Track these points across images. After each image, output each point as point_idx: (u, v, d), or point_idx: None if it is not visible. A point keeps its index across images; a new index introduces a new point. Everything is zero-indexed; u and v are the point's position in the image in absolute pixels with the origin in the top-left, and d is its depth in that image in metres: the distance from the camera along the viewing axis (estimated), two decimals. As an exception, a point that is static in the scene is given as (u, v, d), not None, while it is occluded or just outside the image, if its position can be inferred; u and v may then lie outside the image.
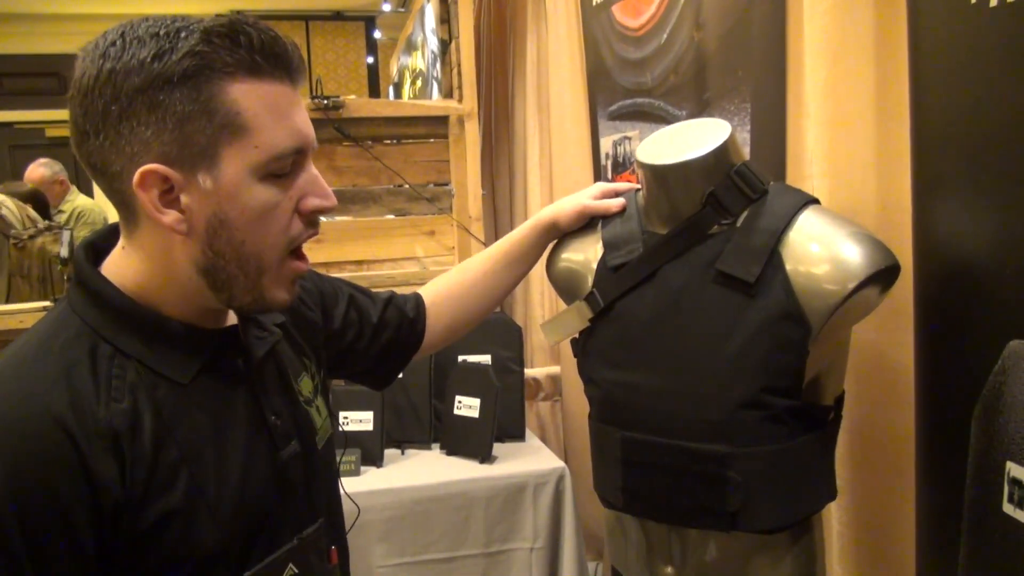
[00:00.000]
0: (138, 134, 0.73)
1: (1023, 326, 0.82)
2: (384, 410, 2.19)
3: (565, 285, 1.23)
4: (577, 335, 1.20)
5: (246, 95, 0.74)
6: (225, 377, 0.85)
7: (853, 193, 1.17)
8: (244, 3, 7.28)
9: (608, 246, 1.16)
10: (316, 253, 2.74)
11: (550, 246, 1.27)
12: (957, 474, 0.92)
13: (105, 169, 0.76)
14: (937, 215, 0.97)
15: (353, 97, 2.89)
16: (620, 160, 2.16)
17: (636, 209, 1.17)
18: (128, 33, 0.73)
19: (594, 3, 2.20)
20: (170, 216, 0.75)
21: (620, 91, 2.09)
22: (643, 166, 1.11)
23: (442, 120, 2.84)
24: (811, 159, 1.23)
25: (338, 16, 7.82)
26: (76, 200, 4.43)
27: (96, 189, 0.80)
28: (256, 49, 0.74)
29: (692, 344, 1.05)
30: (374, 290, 1.22)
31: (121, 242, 0.82)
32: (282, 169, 0.77)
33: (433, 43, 3.93)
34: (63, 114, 0.78)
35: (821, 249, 0.99)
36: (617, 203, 1.19)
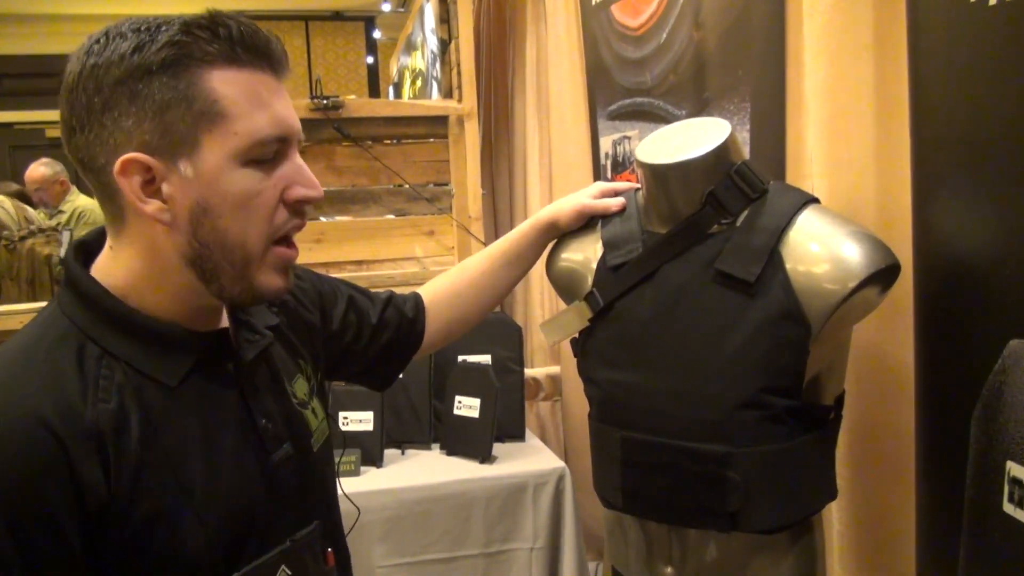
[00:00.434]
0: (120, 124, 0.74)
1: (1023, 325, 0.82)
2: (384, 410, 2.19)
3: (565, 285, 1.23)
4: (577, 335, 1.20)
5: (225, 83, 0.75)
6: (215, 380, 0.84)
7: (853, 192, 1.17)
8: (244, 3, 7.28)
9: (608, 246, 1.16)
10: (316, 253, 2.74)
11: (550, 246, 1.27)
12: (957, 474, 0.91)
13: (92, 163, 0.77)
14: (937, 214, 0.97)
15: (353, 97, 2.89)
16: (620, 160, 2.16)
17: (636, 209, 1.17)
18: (112, 31, 0.75)
19: (593, 3, 2.19)
20: (152, 205, 0.76)
21: (620, 90, 2.09)
22: (643, 165, 1.11)
23: (442, 120, 2.84)
24: (811, 158, 1.23)
25: (338, 16, 7.82)
26: (77, 200, 4.43)
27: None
28: (235, 39, 0.75)
29: (692, 344, 1.04)
30: (373, 290, 1.22)
31: (109, 242, 0.82)
32: (263, 156, 0.77)
33: (433, 43, 3.92)
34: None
35: (821, 248, 0.99)
36: (617, 202, 1.19)
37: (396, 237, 2.84)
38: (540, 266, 1.31)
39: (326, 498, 0.98)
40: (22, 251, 4.00)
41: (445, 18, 3.26)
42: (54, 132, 6.16)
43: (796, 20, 1.32)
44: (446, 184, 2.86)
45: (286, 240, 0.82)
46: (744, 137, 1.49)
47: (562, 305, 1.24)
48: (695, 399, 1.03)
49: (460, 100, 2.85)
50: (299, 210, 0.82)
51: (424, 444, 2.29)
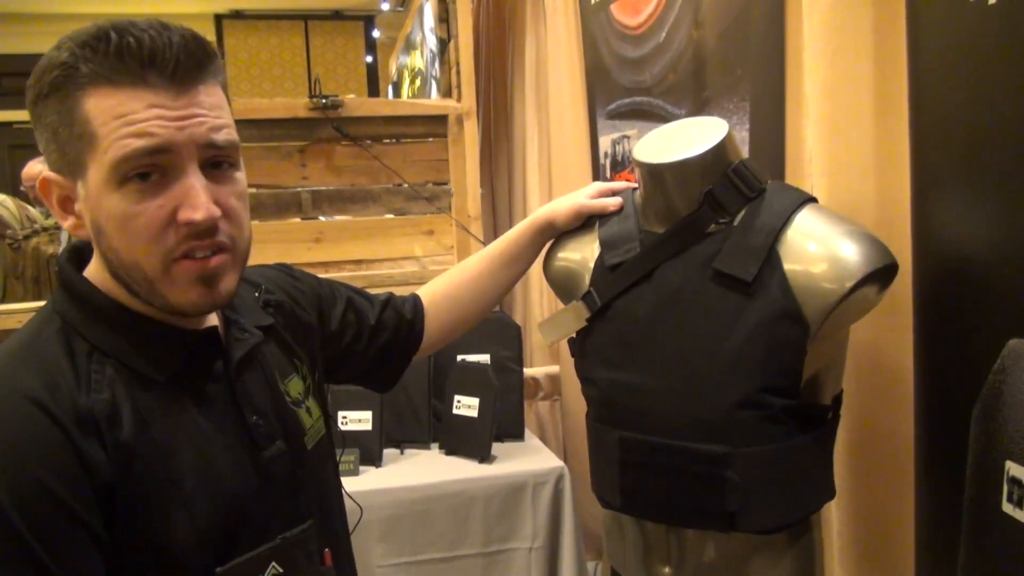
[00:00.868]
0: (40, 143, 0.79)
1: (1023, 324, 0.82)
2: (383, 410, 2.19)
3: (562, 284, 1.23)
4: (574, 335, 1.20)
5: (98, 104, 0.74)
6: (204, 377, 0.85)
7: (852, 191, 1.17)
8: (243, 2, 7.28)
9: (605, 245, 1.15)
10: (315, 252, 2.74)
11: (547, 245, 1.27)
12: (956, 473, 0.91)
13: None
14: (936, 213, 0.96)
15: (352, 96, 2.89)
16: (619, 159, 2.16)
17: (633, 208, 1.17)
18: (53, 46, 0.78)
19: (592, 2, 2.19)
20: (69, 221, 0.80)
21: (619, 90, 2.09)
22: (640, 165, 1.10)
23: (441, 119, 2.84)
24: (810, 157, 1.23)
25: (337, 15, 7.81)
26: (74, 199, 4.41)
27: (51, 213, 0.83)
28: (112, 56, 0.74)
29: (689, 344, 1.04)
30: (372, 291, 1.22)
31: None
32: (132, 171, 0.75)
33: (432, 42, 3.92)
34: (29, 117, 0.80)
35: (819, 248, 0.99)
36: (614, 202, 1.19)
37: (395, 236, 2.84)
38: (539, 265, 1.31)
39: (322, 497, 0.97)
40: (27, 250, 4.01)
41: (444, 17, 3.26)
42: (53, 131, 6.17)
43: (795, 19, 1.31)
44: (445, 183, 2.85)
45: (194, 254, 0.79)
46: (743, 136, 1.49)
47: (560, 305, 1.24)
48: (693, 399, 1.03)
49: (459, 99, 2.85)
50: (196, 232, 0.77)
51: (423, 444, 2.29)
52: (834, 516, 1.24)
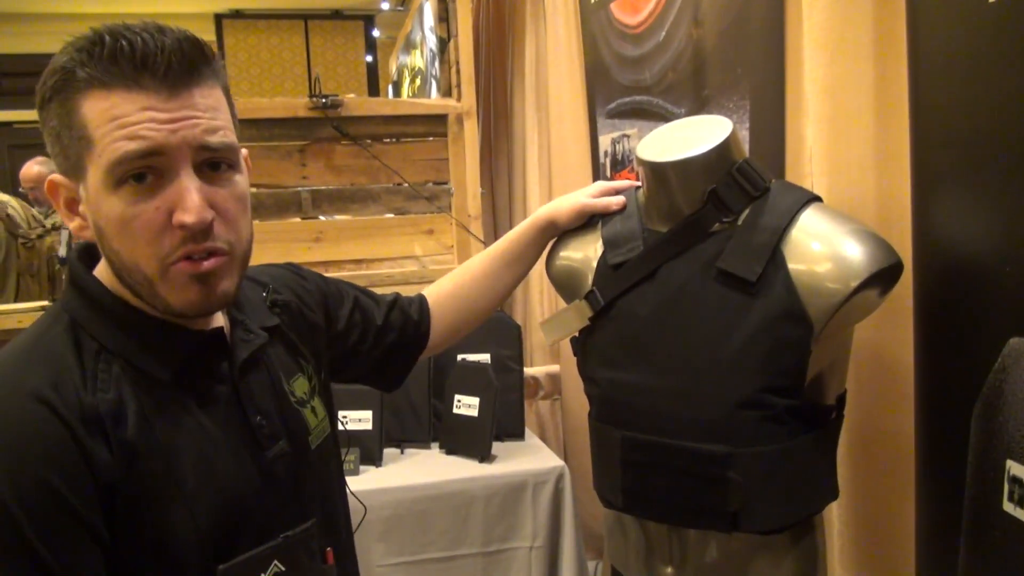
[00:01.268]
0: (48, 147, 0.80)
1: (1023, 323, 0.82)
2: (383, 409, 2.19)
3: (564, 283, 1.23)
4: (577, 334, 1.19)
5: (93, 108, 0.75)
6: (210, 377, 0.86)
7: (852, 190, 1.17)
8: (243, 2, 7.28)
9: (608, 244, 1.15)
10: (315, 252, 2.74)
11: (550, 244, 1.27)
12: (957, 472, 0.91)
13: None
14: (937, 212, 0.96)
15: (352, 96, 2.88)
16: (619, 158, 2.16)
17: (636, 207, 1.17)
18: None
19: (592, 1, 2.19)
20: (75, 223, 0.81)
21: (619, 88, 2.08)
22: (643, 163, 1.10)
23: (441, 118, 2.83)
24: (810, 156, 1.23)
25: (337, 15, 7.81)
26: (73, 200, 4.42)
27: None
28: (106, 60, 0.74)
29: (693, 343, 1.04)
30: (375, 291, 1.23)
31: None
32: (127, 173, 0.75)
33: (432, 41, 3.92)
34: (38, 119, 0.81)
35: (823, 247, 0.99)
36: (617, 201, 1.19)
37: (395, 236, 2.84)
38: (540, 264, 1.31)
39: (326, 496, 0.98)
40: (41, 249, 4.03)
41: (444, 16, 3.25)
42: (53, 131, 6.17)
43: (795, 17, 1.31)
44: (445, 183, 2.85)
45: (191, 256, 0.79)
46: (743, 135, 1.49)
47: (562, 304, 1.24)
48: (696, 399, 1.03)
49: (459, 99, 2.85)
50: (193, 235, 0.77)
51: (423, 443, 2.29)
52: (836, 516, 1.24)
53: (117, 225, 0.77)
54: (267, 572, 0.84)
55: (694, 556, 1.11)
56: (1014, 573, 0.84)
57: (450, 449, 2.22)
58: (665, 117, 1.84)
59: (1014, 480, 0.82)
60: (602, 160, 2.26)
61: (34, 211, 4.29)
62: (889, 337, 1.14)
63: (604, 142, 2.23)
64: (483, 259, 1.28)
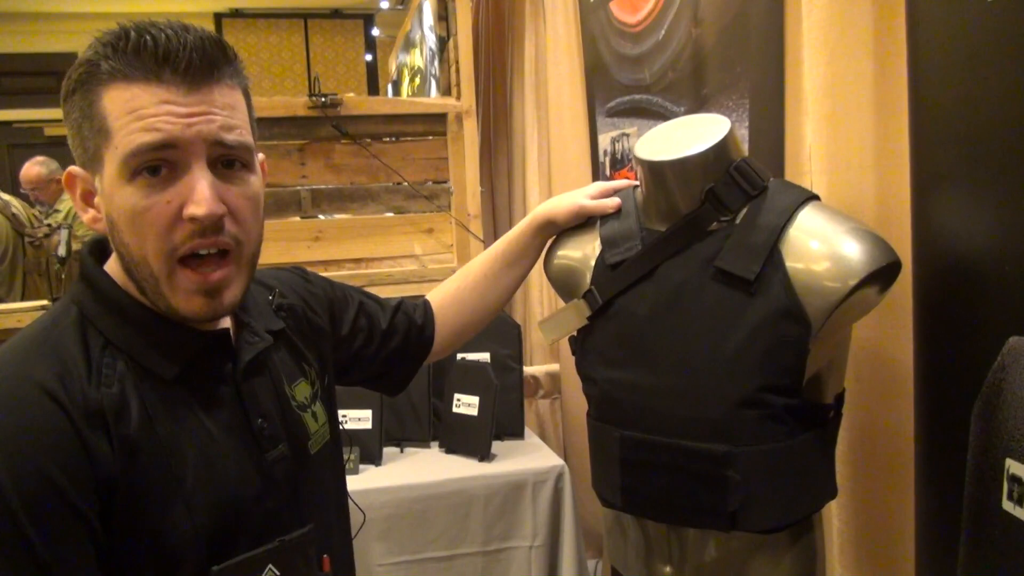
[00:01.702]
0: (69, 140, 0.81)
1: (1022, 322, 0.82)
2: (383, 408, 2.19)
3: (563, 282, 1.23)
4: (575, 333, 1.19)
5: (114, 100, 0.77)
6: (213, 378, 0.87)
7: (852, 189, 1.17)
8: (243, 1, 7.28)
9: (606, 243, 1.15)
10: (314, 251, 2.74)
11: (548, 242, 1.27)
12: (956, 471, 0.91)
13: None
14: (936, 211, 0.96)
15: (351, 95, 2.88)
16: (618, 157, 2.16)
17: (635, 206, 1.16)
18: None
19: (592, -1, 2.19)
20: (88, 214, 0.83)
21: (618, 87, 2.08)
22: (641, 162, 1.10)
23: (440, 117, 2.83)
24: (809, 155, 1.23)
25: (336, 14, 7.81)
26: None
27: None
28: (130, 54, 0.76)
29: (691, 342, 1.04)
30: (372, 290, 1.23)
31: None
32: (141, 165, 0.76)
33: (431, 40, 3.92)
34: (61, 113, 0.82)
35: (821, 246, 0.99)
36: (612, 203, 1.19)
37: (395, 235, 2.84)
38: (539, 264, 1.31)
39: (325, 502, 0.98)
40: (49, 248, 4.04)
41: (443, 15, 3.26)
42: (52, 130, 6.18)
43: (795, 16, 1.31)
44: (445, 182, 2.85)
45: (196, 260, 0.80)
46: (743, 134, 1.49)
47: (561, 303, 1.24)
48: (694, 398, 1.03)
49: (459, 97, 2.84)
50: (202, 229, 0.78)
51: (423, 442, 2.29)
52: (835, 515, 1.24)
53: (129, 216, 0.77)
54: (262, 575, 0.84)
55: (693, 555, 1.11)
56: (1013, 571, 0.84)
57: (450, 448, 2.22)
58: (664, 116, 1.84)
59: (1013, 479, 0.82)
60: (601, 159, 2.26)
61: (33, 211, 4.30)
62: (888, 336, 1.14)
63: (603, 141, 2.23)
64: (483, 261, 1.29)
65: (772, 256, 1.00)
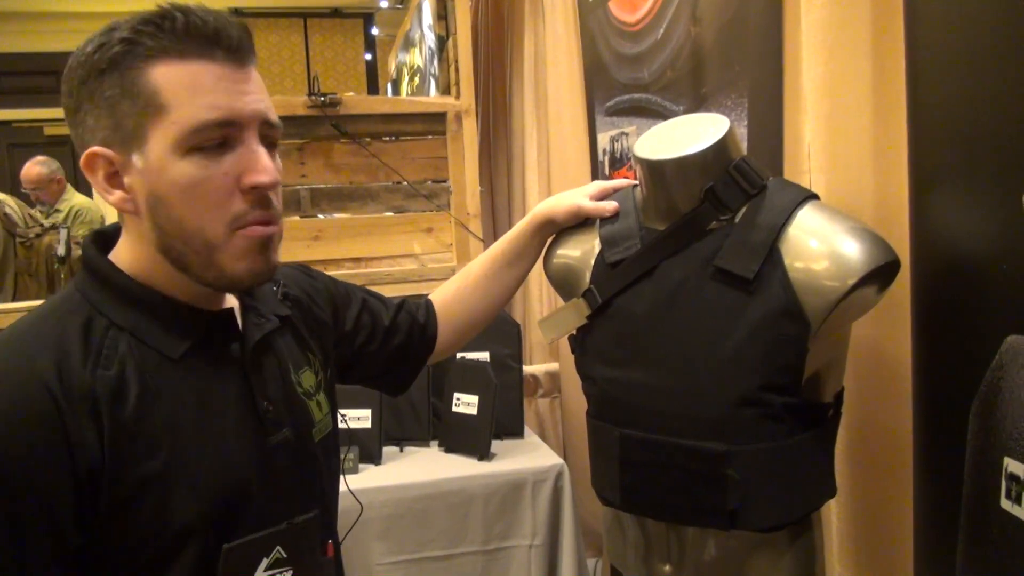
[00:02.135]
0: (86, 122, 0.80)
1: (1021, 321, 0.82)
2: (382, 407, 2.19)
3: (562, 281, 1.23)
4: (575, 332, 1.20)
5: (166, 76, 0.77)
6: (218, 359, 0.87)
7: (850, 188, 1.17)
8: (243, 0, 7.27)
9: (606, 242, 1.15)
10: (314, 250, 2.74)
11: (548, 241, 1.27)
12: (955, 470, 0.91)
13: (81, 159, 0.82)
14: (935, 210, 0.96)
15: (351, 94, 2.88)
16: (617, 156, 2.16)
17: (634, 205, 1.16)
18: (95, 33, 0.79)
19: (591, -2, 2.19)
20: (115, 196, 0.81)
21: (617, 87, 2.08)
22: (640, 161, 1.10)
23: (440, 117, 2.83)
24: (808, 154, 1.23)
25: (336, 13, 7.81)
26: (73, 199, 4.43)
27: (95, 189, 0.85)
28: (179, 32, 0.77)
29: (690, 341, 1.04)
30: (372, 289, 1.23)
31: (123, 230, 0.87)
32: (204, 142, 0.78)
33: (431, 39, 3.92)
34: (61, 112, 0.82)
35: (820, 245, 0.99)
36: (610, 207, 1.19)
37: (394, 234, 2.83)
38: (538, 263, 1.31)
39: (325, 490, 0.98)
40: (40, 248, 4.04)
41: (443, 14, 3.26)
42: (52, 130, 6.18)
43: (794, 15, 1.31)
44: (444, 181, 2.85)
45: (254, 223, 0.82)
46: (741, 133, 1.49)
47: (560, 302, 1.24)
48: (693, 397, 1.03)
49: (458, 97, 2.84)
50: (260, 199, 0.81)
51: (423, 441, 2.29)
52: (833, 513, 1.24)
53: (184, 189, 0.78)
54: (269, 556, 0.85)
55: (692, 554, 1.11)
56: (1011, 569, 0.84)
57: (449, 447, 2.22)
58: (664, 115, 1.84)
59: (1011, 477, 0.83)
60: (601, 158, 2.26)
61: (33, 211, 4.29)
62: (887, 335, 1.14)
63: (603, 140, 2.23)
64: (483, 261, 1.29)
65: (771, 255, 1.00)
